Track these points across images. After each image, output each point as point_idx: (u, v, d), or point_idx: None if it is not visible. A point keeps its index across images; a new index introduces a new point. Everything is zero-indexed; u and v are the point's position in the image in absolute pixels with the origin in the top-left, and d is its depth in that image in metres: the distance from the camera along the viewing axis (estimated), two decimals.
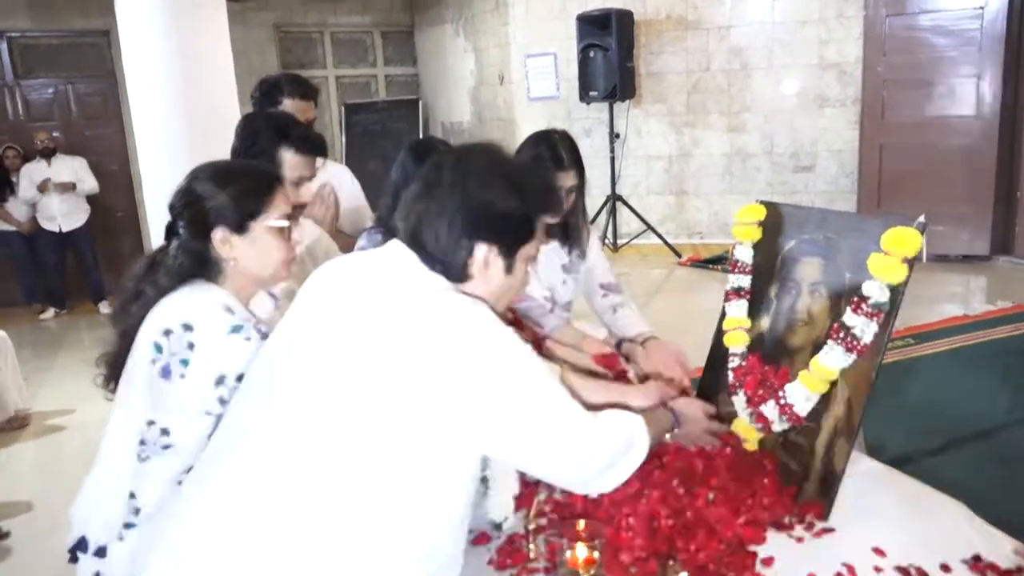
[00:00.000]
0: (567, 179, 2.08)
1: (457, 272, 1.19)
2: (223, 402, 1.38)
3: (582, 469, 1.22)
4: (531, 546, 1.48)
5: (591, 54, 5.98)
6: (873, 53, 5.77)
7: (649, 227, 6.23)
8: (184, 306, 1.40)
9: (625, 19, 5.98)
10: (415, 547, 1.15)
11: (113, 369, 1.46)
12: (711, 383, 1.85)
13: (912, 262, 1.43)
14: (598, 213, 6.25)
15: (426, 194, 1.20)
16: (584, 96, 6.09)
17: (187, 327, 1.37)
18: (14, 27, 7.24)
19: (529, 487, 1.69)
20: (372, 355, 1.11)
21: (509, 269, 1.21)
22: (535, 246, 1.25)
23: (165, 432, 1.42)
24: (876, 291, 1.44)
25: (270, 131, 1.95)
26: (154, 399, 1.40)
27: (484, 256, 1.18)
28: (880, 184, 5.89)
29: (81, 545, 1.49)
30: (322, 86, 8.60)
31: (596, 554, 1.37)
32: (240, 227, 1.46)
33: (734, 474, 1.57)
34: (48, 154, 6.49)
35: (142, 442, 1.43)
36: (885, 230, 1.46)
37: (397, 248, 1.22)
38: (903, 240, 1.42)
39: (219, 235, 1.45)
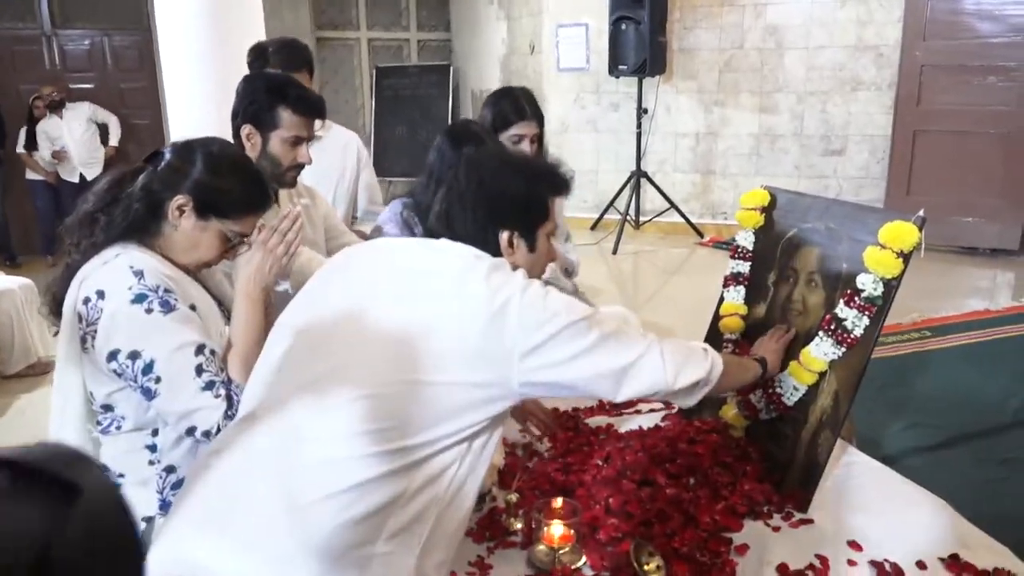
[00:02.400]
0: (529, 128, 2.33)
1: (490, 254, 1.30)
2: (119, 375, 1.39)
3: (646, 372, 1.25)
4: (511, 520, 1.50)
5: (623, 27, 5.86)
6: (913, 36, 5.61)
7: (672, 205, 6.16)
8: (102, 271, 1.41)
9: None
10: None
11: (56, 304, 1.48)
12: None
13: (908, 257, 1.41)
14: (622, 189, 6.19)
15: (448, 195, 1.36)
16: (613, 69, 5.99)
17: (100, 294, 1.39)
18: None
19: (513, 458, 1.72)
20: (438, 309, 1.20)
21: (532, 247, 1.37)
22: (552, 223, 1.40)
23: (108, 408, 1.45)
24: (870, 284, 1.43)
25: (268, 91, 1.97)
26: (84, 368, 1.43)
27: (507, 239, 1.33)
28: (911, 172, 5.76)
29: None
30: (354, 48, 8.58)
31: (572, 531, 1.40)
32: (203, 212, 1.47)
33: (718, 460, 1.58)
34: (56, 107, 6.49)
35: (98, 423, 1.47)
36: (884, 223, 1.44)
37: (442, 240, 1.34)
38: (900, 234, 1.40)
39: (181, 200, 1.46)
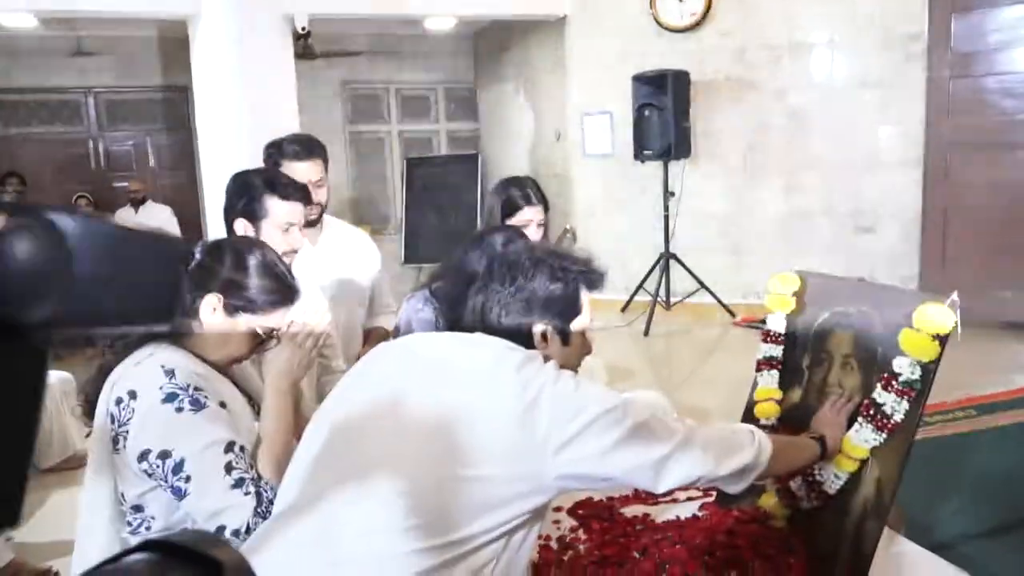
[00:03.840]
0: (536, 213, 2.43)
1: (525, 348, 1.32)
2: (149, 475, 1.39)
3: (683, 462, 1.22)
4: None
5: (646, 113, 5.99)
6: (937, 115, 5.65)
7: (703, 286, 6.14)
8: (134, 372, 1.43)
9: (681, 79, 6.00)
10: None
11: (89, 405, 1.50)
12: None
13: (944, 339, 1.39)
14: (651, 270, 6.20)
15: (482, 290, 1.39)
16: (639, 154, 6.09)
17: (132, 394, 1.40)
18: (101, 83, 7.70)
19: (547, 551, 1.67)
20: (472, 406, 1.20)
21: (566, 341, 1.38)
22: (586, 317, 1.41)
23: (138, 508, 1.45)
24: (907, 368, 1.40)
25: (255, 184, 2.08)
26: (116, 470, 1.44)
27: (541, 333, 1.35)
28: (945, 248, 5.71)
29: None
30: (385, 140, 8.86)
31: None
32: (233, 310, 1.50)
33: (759, 553, 1.53)
34: (138, 203, 6.75)
35: (129, 523, 1.46)
36: (917, 305, 1.43)
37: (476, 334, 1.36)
38: (934, 317, 1.38)
39: (214, 300, 1.49)
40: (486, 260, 1.43)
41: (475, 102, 9.01)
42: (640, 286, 6.27)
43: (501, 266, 1.39)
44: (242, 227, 2.06)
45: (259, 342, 1.55)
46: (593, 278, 1.42)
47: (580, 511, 1.85)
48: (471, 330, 1.36)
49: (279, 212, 2.07)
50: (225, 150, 5.54)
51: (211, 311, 1.49)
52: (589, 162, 6.84)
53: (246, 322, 1.51)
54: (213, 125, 5.82)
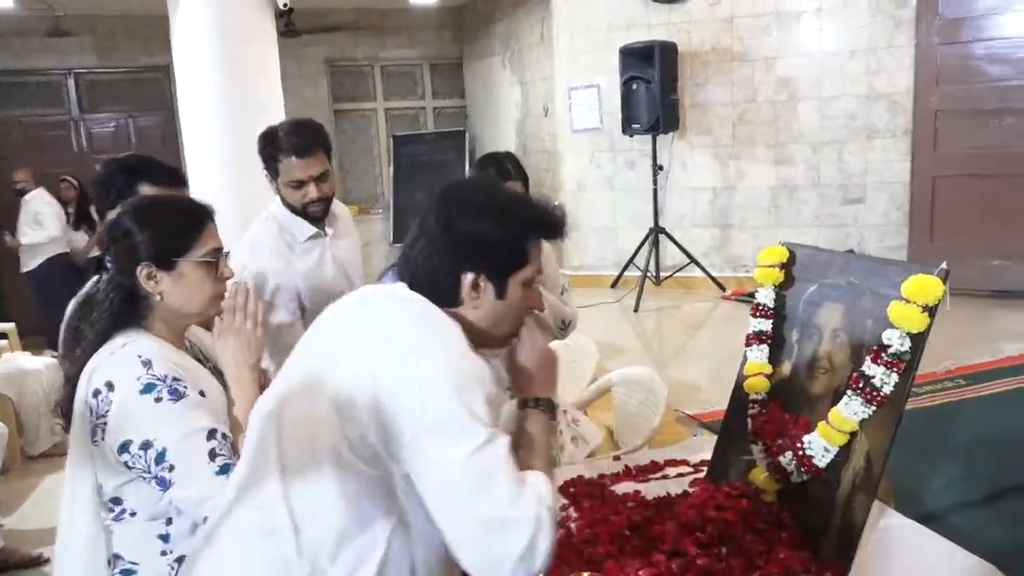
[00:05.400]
0: (514, 188, 2.36)
1: (445, 297, 1.21)
2: (130, 468, 1.37)
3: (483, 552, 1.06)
4: None
5: (634, 86, 5.94)
6: (925, 83, 5.63)
7: (692, 260, 6.14)
8: (110, 362, 1.41)
9: (668, 51, 5.95)
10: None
11: (68, 418, 1.48)
12: (733, 430, 1.80)
13: (934, 310, 1.37)
14: (640, 246, 6.19)
15: (419, 229, 1.24)
16: (627, 128, 6.06)
17: (109, 386, 1.38)
18: (81, 64, 7.59)
19: None
20: (362, 373, 1.13)
21: (500, 294, 1.23)
22: (532, 269, 1.25)
23: (117, 501, 1.43)
24: (896, 340, 1.39)
25: (123, 172, 1.97)
26: (95, 461, 1.42)
27: (471, 282, 1.20)
28: (933, 217, 5.71)
29: None
30: (372, 118, 8.78)
31: None
32: (166, 263, 1.46)
33: (749, 527, 1.52)
34: (21, 194, 6.33)
35: (110, 509, 1.44)
36: (907, 277, 1.41)
37: (397, 284, 1.26)
38: (924, 288, 1.37)
39: (144, 271, 1.45)
40: (426, 204, 1.28)
41: (461, 77, 8.92)
42: (630, 261, 6.26)
43: (440, 205, 1.23)
44: None
45: (215, 267, 1.51)
46: (545, 224, 1.26)
47: (571, 489, 1.85)
48: (403, 279, 1.25)
49: None
50: (209, 130, 5.46)
51: (153, 281, 1.45)
52: (577, 137, 6.79)
53: (187, 263, 1.47)
54: (196, 105, 5.72)
